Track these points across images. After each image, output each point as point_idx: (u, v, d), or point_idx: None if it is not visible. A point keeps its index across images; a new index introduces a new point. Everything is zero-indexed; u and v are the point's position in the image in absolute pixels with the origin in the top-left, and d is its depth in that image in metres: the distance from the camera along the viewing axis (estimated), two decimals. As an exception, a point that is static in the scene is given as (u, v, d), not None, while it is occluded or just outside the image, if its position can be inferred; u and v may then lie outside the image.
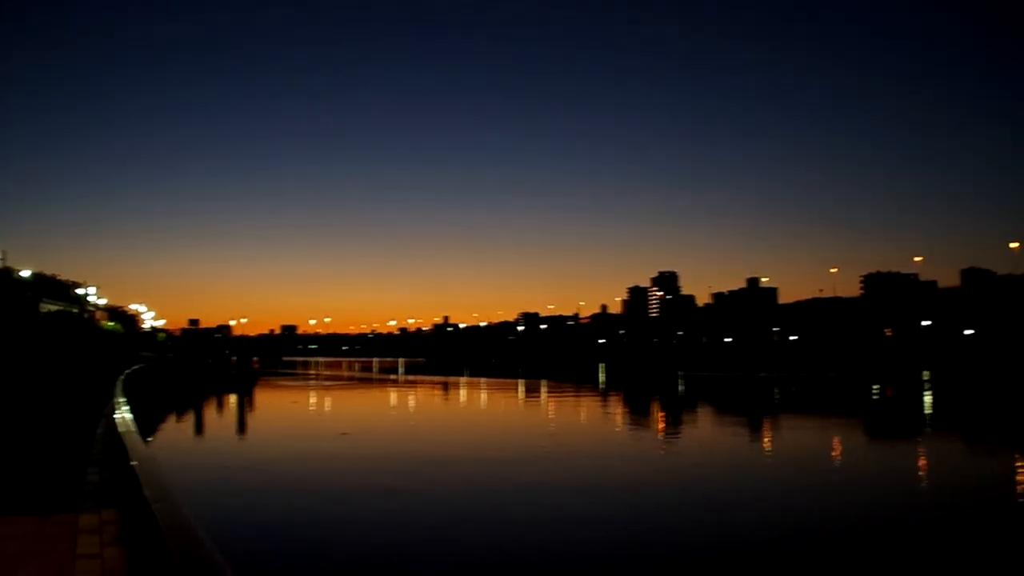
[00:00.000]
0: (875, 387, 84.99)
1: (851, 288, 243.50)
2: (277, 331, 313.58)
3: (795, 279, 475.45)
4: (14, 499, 12.51)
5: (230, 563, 4.39)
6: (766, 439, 43.37)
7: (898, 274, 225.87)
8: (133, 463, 8.38)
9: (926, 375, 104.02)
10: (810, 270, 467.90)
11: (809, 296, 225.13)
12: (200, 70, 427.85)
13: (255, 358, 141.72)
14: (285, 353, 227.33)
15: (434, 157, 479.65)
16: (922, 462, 34.45)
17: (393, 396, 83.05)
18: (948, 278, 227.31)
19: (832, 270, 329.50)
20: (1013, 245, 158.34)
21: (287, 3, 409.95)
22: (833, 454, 36.62)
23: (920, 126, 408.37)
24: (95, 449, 17.68)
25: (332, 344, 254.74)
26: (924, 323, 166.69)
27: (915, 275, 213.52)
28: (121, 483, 10.76)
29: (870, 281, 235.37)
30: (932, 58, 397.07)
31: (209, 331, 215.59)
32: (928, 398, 70.47)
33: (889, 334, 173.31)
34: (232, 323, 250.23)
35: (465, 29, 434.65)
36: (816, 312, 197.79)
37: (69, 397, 31.68)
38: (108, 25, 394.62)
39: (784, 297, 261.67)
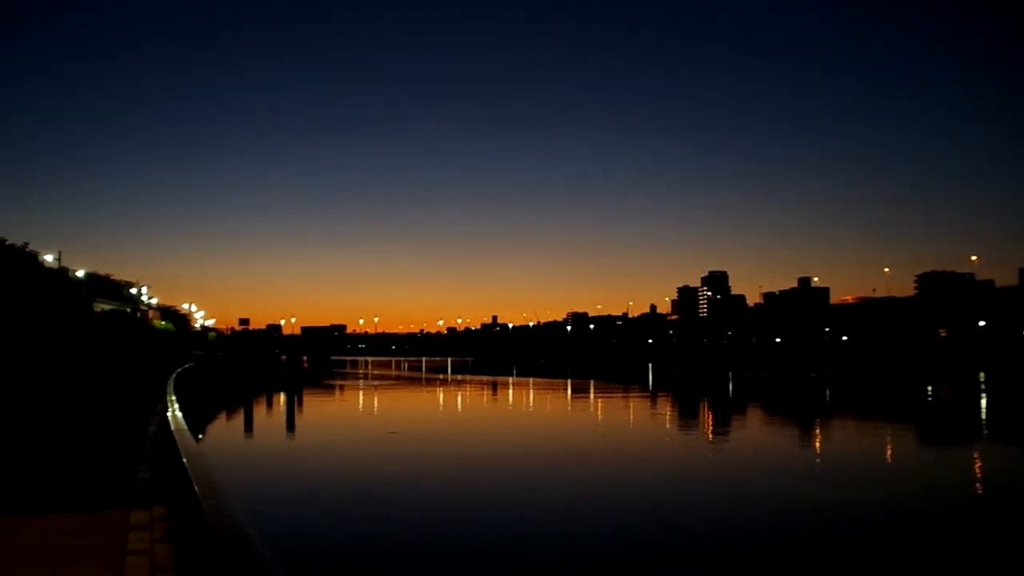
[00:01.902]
0: (929, 389, 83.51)
1: (905, 288, 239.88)
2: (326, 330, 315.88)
3: (847, 279, 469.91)
4: (67, 495, 12.63)
5: (280, 561, 4.30)
6: (816, 442, 42.70)
7: (953, 273, 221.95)
8: (184, 460, 8.36)
9: (982, 377, 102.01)
10: (863, 270, 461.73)
11: (862, 296, 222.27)
12: (248, 74, 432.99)
13: (304, 357, 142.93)
14: (334, 352, 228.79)
15: (483, 157, 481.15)
16: (977, 468, 33.65)
17: (441, 395, 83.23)
18: (1006, 277, 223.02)
19: (885, 270, 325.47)
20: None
21: (334, 8, 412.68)
22: (885, 458, 35.95)
23: (976, 121, 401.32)
24: (146, 446, 17.85)
25: (381, 343, 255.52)
26: (980, 324, 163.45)
27: (971, 274, 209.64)
28: (172, 480, 10.78)
29: (924, 281, 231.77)
30: (986, 52, 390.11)
31: (260, 331, 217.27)
32: (984, 401, 69.05)
33: (944, 335, 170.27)
34: (282, 322, 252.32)
35: (515, 31, 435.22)
36: (869, 312, 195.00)
37: (122, 395, 32.10)
38: (157, 31, 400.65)
39: (836, 297, 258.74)
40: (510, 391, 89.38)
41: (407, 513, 22.45)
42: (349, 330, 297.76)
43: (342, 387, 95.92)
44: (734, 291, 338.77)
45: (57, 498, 12.38)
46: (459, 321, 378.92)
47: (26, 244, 51.10)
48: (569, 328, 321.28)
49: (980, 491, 28.06)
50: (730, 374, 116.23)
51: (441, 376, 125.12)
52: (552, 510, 23.01)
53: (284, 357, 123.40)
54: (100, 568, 8.61)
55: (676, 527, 20.99)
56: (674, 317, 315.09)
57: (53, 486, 13.47)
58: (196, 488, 6.67)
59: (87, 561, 8.91)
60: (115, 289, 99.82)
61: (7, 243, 48.48)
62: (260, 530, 4.98)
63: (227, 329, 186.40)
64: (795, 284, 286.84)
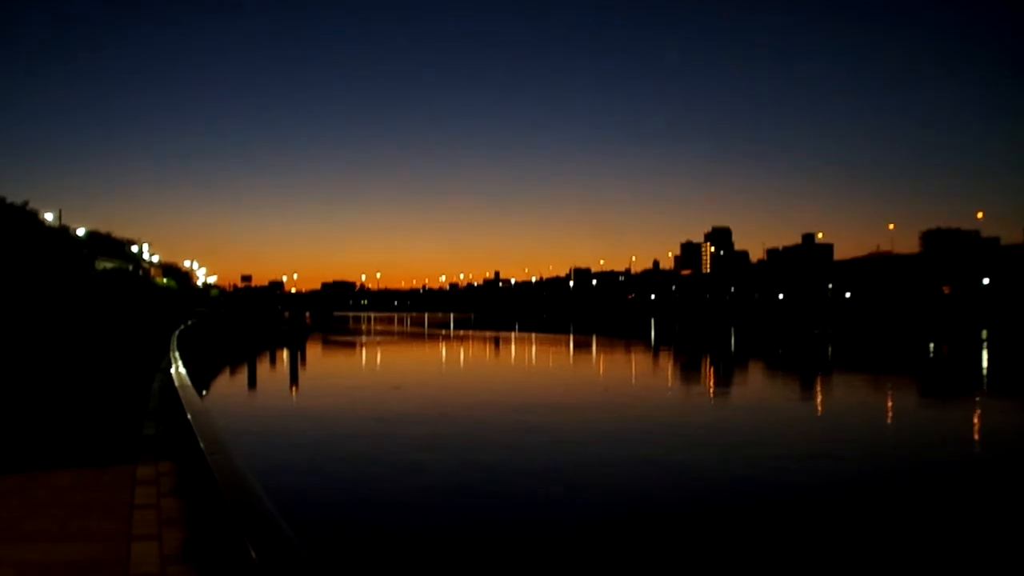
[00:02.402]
0: (931, 346, 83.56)
1: (910, 244, 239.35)
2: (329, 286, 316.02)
3: (852, 235, 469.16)
4: (74, 451, 12.75)
5: (283, 514, 4.36)
6: (818, 397, 42.88)
7: (959, 230, 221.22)
8: (188, 416, 8.45)
9: (984, 334, 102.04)
10: (867, 226, 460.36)
11: (866, 253, 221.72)
12: (248, 28, 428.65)
13: (307, 313, 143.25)
14: (336, 308, 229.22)
15: (485, 113, 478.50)
16: (975, 421, 33.79)
17: (444, 350, 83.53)
18: (1011, 235, 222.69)
19: (890, 226, 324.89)
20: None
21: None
22: (885, 413, 36.09)
23: (982, 78, 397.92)
24: (151, 403, 17.98)
25: (383, 299, 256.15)
26: (984, 281, 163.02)
27: (976, 232, 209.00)
28: (177, 436, 10.89)
29: (929, 237, 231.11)
30: (991, 8, 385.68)
31: (262, 288, 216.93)
32: (985, 358, 69.15)
33: (947, 292, 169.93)
34: (284, 279, 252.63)
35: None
36: (872, 269, 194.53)
37: (125, 353, 32.21)
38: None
39: (840, 254, 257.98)
40: (512, 346, 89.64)
41: (411, 468, 22.60)
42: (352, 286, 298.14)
43: (345, 343, 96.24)
44: (738, 247, 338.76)
45: (65, 454, 12.51)
46: (461, 277, 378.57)
47: (26, 203, 51.01)
48: (571, 284, 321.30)
49: (976, 444, 28.22)
50: (732, 330, 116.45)
51: (443, 331, 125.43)
52: (554, 465, 23.13)
53: (287, 313, 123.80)
54: (108, 522, 8.72)
55: (678, 482, 21.14)
56: (687, 272, 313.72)
57: (60, 443, 13.60)
58: (201, 443, 6.74)
59: (95, 515, 9.03)
60: (116, 247, 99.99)
61: (7, 202, 48.38)
62: (264, 484, 5.05)
63: (229, 286, 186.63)
64: (799, 240, 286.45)
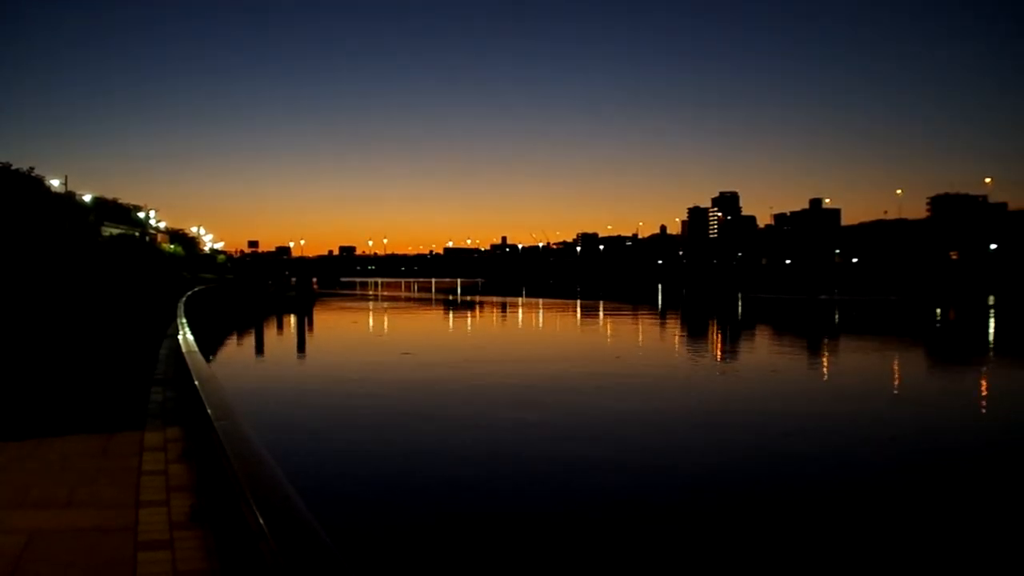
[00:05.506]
0: (938, 311, 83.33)
1: (918, 210, 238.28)
2: (335, 252, 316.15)
3: (859, 200, 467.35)
4: (82, 418, 12.76)
5: (291, 480, 4.33)
6: (825, 363, 42.85)
7: (966, 196, 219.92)
8: (196, 382, 8.41)
9: (991, 300, 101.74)
10: (875, 191, 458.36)
11: (874, 218, 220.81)
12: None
13: (314, 279, 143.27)
14: (343, 274, 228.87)
15: (492, 78, 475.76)
16: (981, 387, 33.74)
17: (452, 316, 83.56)
18: (1019, 200, 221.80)
19: (898, 191, 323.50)
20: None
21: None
22: (891, 379, 36.04)
23: (990, 43, 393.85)
24: (158, 369, 17.99)
25: (390, 265, 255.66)
26: (992, 247, 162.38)
27: (984, 197, 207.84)
28: (184, 402, 10.88)
29: (937, 203, 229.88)
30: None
31: (270, 253, 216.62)
32: (992, 324, 68.97)
33: (955, 257, 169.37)
34: (291, 244, 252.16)
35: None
36: (880, 234, 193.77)
37: (132, 319, 32.22)
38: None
39: (848, 219, 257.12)
40: (520, 312, 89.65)
41: (420, 435, 22.60)
42: (358, 252, 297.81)
43: (353, 308, 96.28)
44: (745, 212, 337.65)
45: (73, 421, 12.51)
46: (468, 242, 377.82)
47: (31, 169, 50.68)
48: (579, 249, 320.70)
49: (980, 409, 28.19)
50: (739, 295, 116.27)
51: (451, 297, 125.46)
52: (567, 432, 23.10)
53: (294, 280, 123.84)
54: (117, 488, 8.73)
55: (690, 450, 21.15)
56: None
57: (68, 409, 13.59)
58: (208, 409, 6.71)
59: (104, 481, 9.04)
60: (123, 213, 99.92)
61: (13, 168, 48.19)
62: (270, 450, 5.02)
63: (236, 252, 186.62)
64: (807, 205, 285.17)
